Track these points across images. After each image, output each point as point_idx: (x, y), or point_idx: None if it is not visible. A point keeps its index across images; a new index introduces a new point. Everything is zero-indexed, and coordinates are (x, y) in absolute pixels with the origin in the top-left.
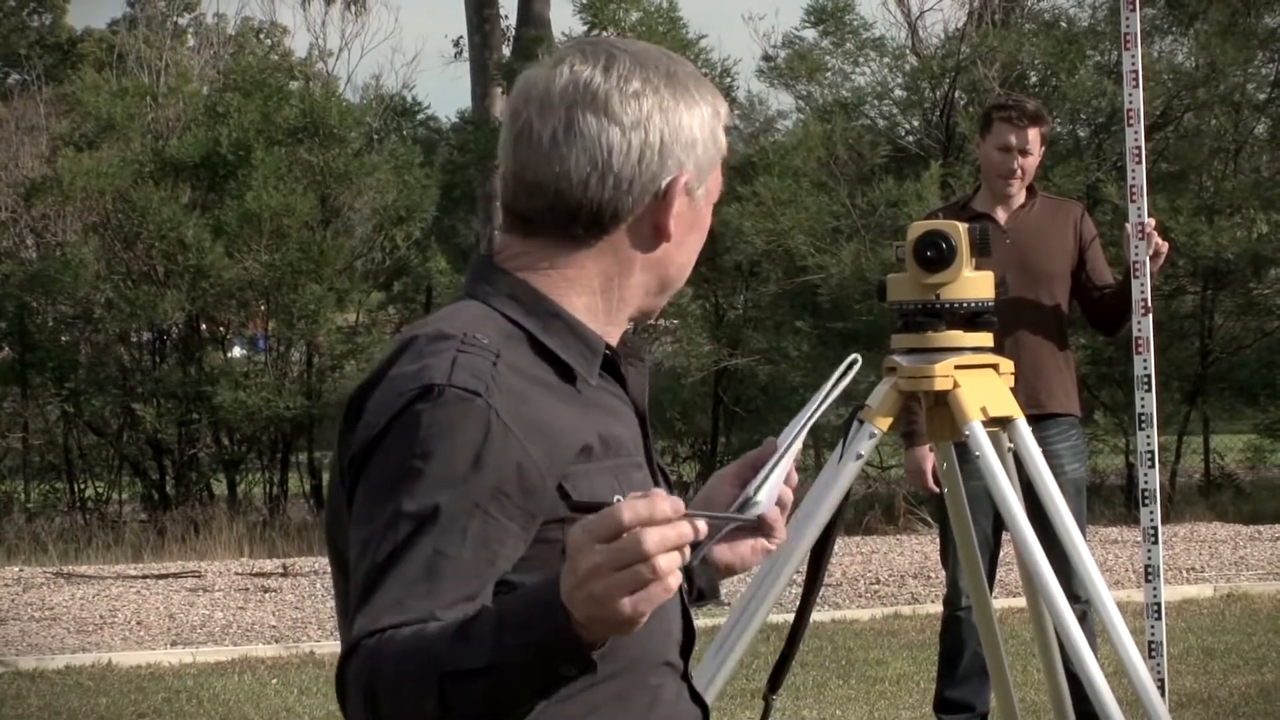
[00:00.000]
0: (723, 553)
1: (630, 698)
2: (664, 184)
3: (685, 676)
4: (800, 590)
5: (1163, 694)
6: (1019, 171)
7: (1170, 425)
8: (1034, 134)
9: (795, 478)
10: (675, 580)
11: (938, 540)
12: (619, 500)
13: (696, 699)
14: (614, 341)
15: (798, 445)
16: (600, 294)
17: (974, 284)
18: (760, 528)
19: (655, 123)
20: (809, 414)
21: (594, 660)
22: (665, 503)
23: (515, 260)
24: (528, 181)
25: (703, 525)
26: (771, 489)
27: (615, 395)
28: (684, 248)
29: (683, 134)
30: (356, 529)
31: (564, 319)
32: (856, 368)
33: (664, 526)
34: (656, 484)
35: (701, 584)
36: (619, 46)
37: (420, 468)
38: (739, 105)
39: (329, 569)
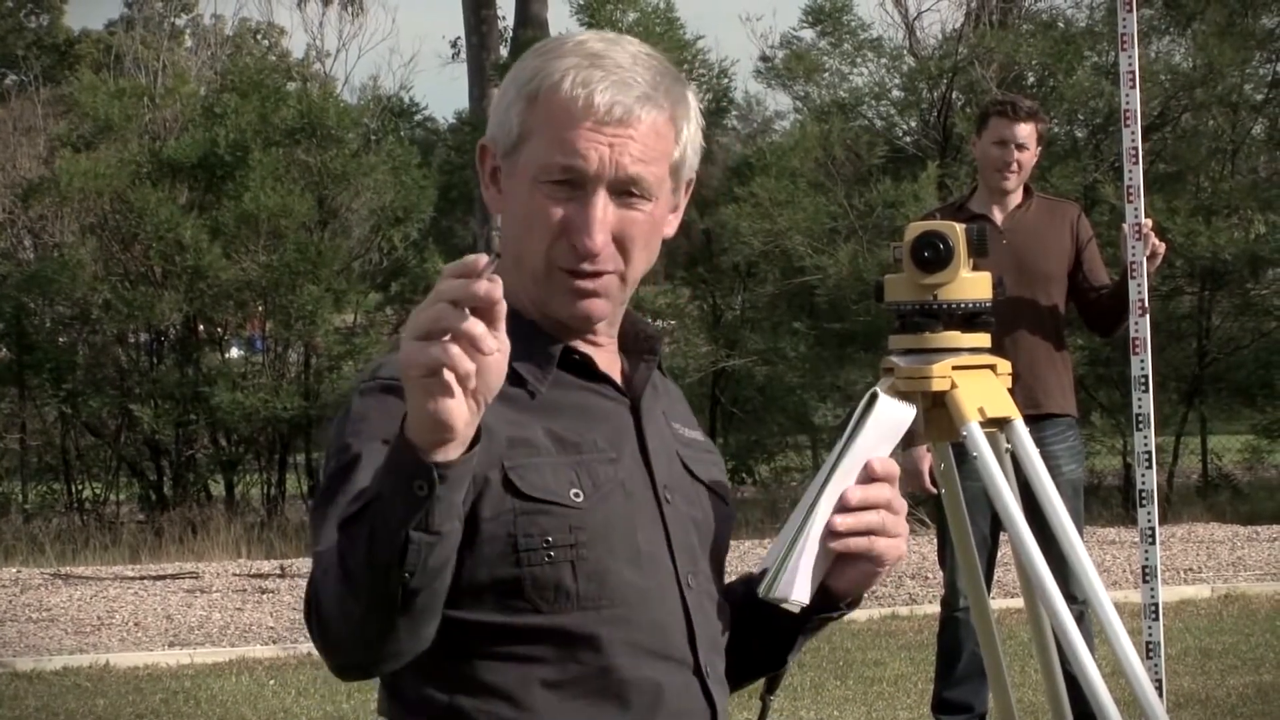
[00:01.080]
0: (839, 582)
1: (628, 697)
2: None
3: (699, 671)
4: None
5: (1160, 695)
6: (1015, 165)
7: (1168, 426)
8: (1029, 129)
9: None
10: (452, 327)
11: (935, 541)
12: (576, 494)
13: (707, 695)
14: (605, 344)
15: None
16: (521, 279)
17: (971, 285)
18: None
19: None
20: (828, 468)
21: (432, 469)
22: (460, 266)
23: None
24: None
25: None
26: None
27: (591, 393)
28: (507, 222)
29: (493, 106)
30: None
31: (522, 323)
32: (877, 401)
33: (454, 279)
34: (651, 477)
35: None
36: (565, 37)
37: (349, 442)
38: (736, 106)
39: None
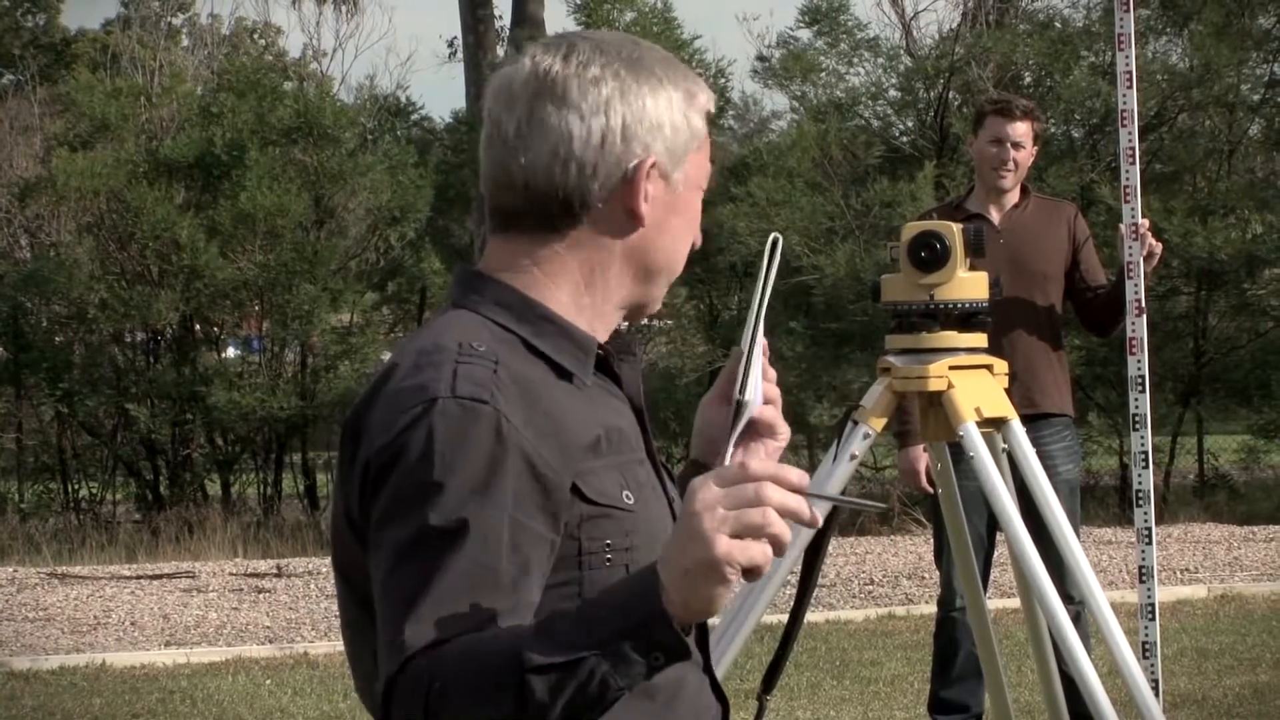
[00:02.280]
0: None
1: (654, 689)
2: (630, 167)
3: (707, 669)
4: (794, 591)
5: (1157, 695)
6: (1011, 163)
7: (1164, 426)
8: (1025, 127)
9: (772, 372)
10: (783, 542)
11: (932, 541)
12: (627, 496)
13: (718, 692)
14: (604, 337)
15: (760, 339)
16: (583, 286)
17: (968, 284)
18: (761, 431)
19: (616, 107)
20: (755, 307)
21: (686, 642)
22: (794, 472)
23: (499, 263)
24: (499, 178)
25: (819, 512)
26: (754, 387)
27: (611, 393)
28: (666, 233)
29: (647, 117)
30: (379, 553)
31: (555, 322)
32: (780, 245)
33: (787, 491)
34: (660, 479)
35: None
36: (583, 36)
37: (441, 481)
38: (733, 106)
39: (323, 570)
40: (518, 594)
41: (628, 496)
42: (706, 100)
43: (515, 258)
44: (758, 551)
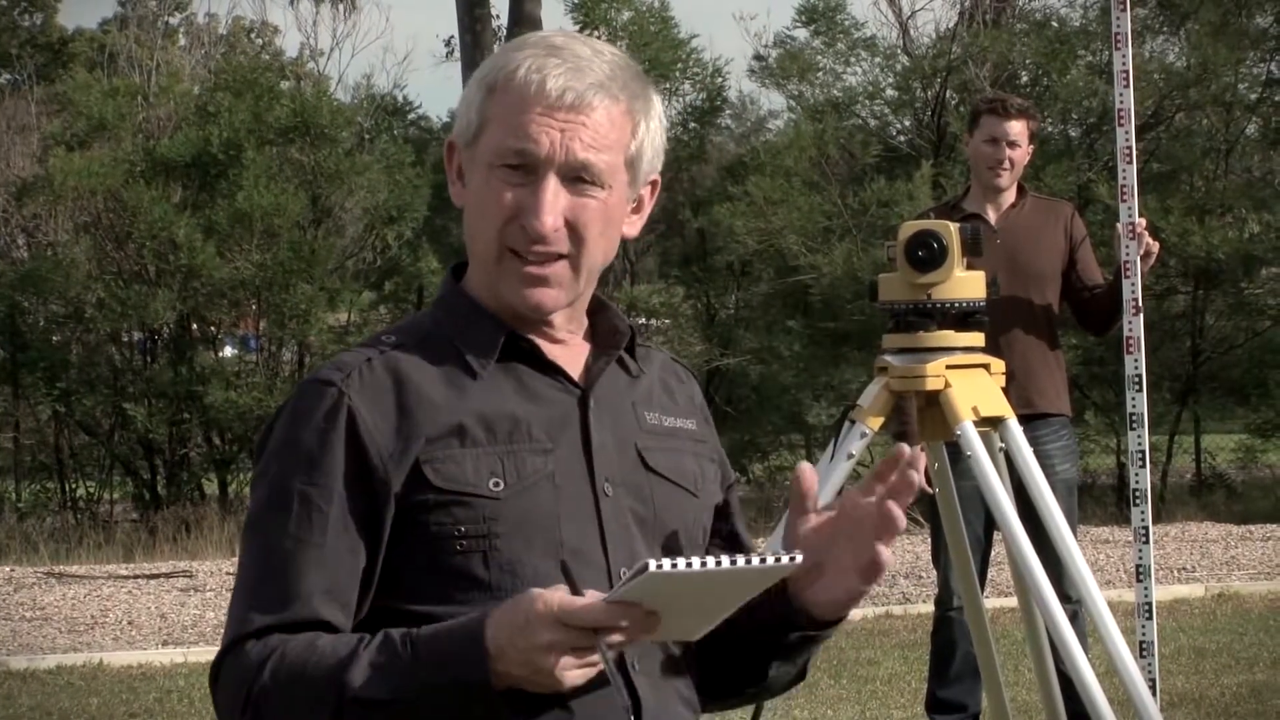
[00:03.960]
0: (823, 596)
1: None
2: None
3: (622, 664)
4: None
5: (1154, 694)
6: (1007, 162)
7: (1161, 425)
8: (1021, 126)
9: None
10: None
11: (929, 540)
12: (496, 484)
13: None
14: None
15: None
16: (478, 272)
17: (965, 284)
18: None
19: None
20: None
21: (502, 709)
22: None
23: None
24: None
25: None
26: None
27: (541, 382)
28: (470, 214)
29: (461, 104)
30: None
31: (471, 311)
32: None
33: (628, 634)
34: (590, 470)
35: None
36: (531, 34)
37: (273, 460)
38: (730, 105)
39: None
40: (340, 574)
41: (495, 484)
42: (505, 75)
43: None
44: (578, 675)
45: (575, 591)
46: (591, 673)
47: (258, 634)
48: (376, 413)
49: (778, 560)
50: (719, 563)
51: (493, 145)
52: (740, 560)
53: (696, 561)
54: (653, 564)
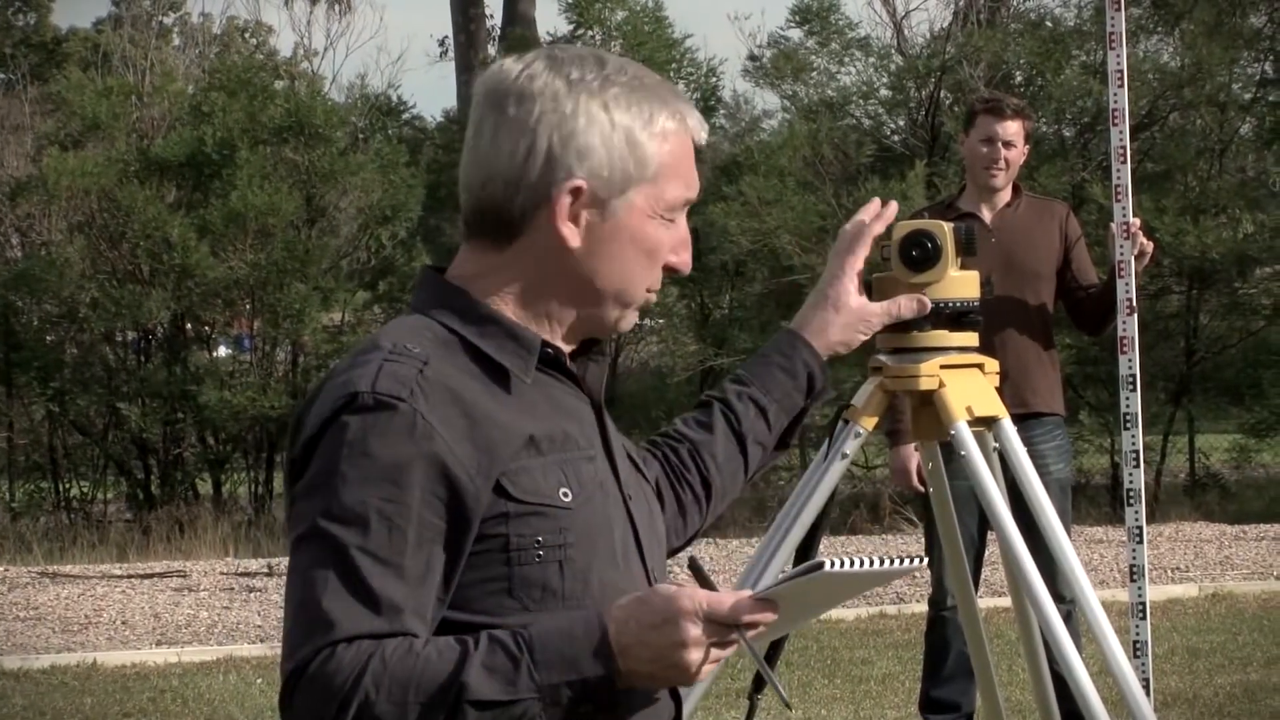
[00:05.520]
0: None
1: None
2: (554, 190)
3: None
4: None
5: (1148, 693)
6: (1002, 162)
7: (1155, 425)
8: (1017, 126)
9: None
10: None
11: (923, 540)
12: (565, 493)
13: (674, 694)
14: (568, 348)
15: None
16: (528, 299)
17: (959, 283)
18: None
19: (544, 127)
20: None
21: (622, 701)
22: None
23: (459, 269)
24: (460, 181)
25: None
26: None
27: (564, 392)
28: (607, 259)
29: (575, 141)
30: (290, 535)
31: (500, 322)
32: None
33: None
34: (616, 476)
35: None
36: (565, 49)
37: (346, 472)
38: (725, 105)
39: None
40: (421, 590)
41: (565, 494)
42: (675, 126)
43: (471, 265)
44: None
45: (708, 587)
46: (718, 667)
47: (348, 640)
48: (451, 428)
49: (909, 563)
50: (879, 562)
51: (664, 196)
52: (890, 561)
53: (861, 561)
54: (828, 562)
